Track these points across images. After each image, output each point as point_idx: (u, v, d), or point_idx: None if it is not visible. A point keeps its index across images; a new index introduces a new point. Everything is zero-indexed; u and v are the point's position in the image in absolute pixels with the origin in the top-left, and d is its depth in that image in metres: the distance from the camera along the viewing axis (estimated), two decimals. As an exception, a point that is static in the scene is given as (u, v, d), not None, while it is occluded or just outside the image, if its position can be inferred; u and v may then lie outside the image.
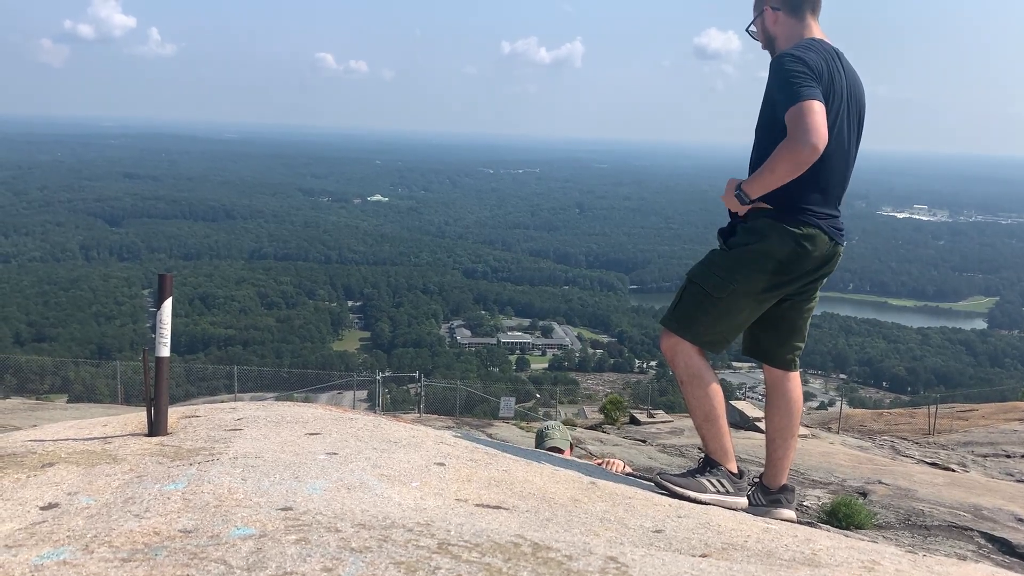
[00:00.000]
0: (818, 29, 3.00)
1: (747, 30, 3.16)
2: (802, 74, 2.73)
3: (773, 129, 2.84)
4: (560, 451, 4.67)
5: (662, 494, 2.98)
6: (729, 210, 3.03)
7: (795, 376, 3.14)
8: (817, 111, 2.66)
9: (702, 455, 3.20)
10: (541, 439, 4.91)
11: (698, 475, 3.03)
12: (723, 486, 2.99)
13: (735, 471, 3.05)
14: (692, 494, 2.94)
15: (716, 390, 3.02)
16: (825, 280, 3.08)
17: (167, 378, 2.82)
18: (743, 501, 3.01)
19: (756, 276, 2.90)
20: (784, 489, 3.14)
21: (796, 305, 3.08)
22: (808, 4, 2.98)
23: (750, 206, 2.89)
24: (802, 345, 3.15)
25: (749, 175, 2.91)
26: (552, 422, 5.65)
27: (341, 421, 3.18)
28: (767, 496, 3.12)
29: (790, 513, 3.11)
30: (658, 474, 3.16)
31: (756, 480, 3.22)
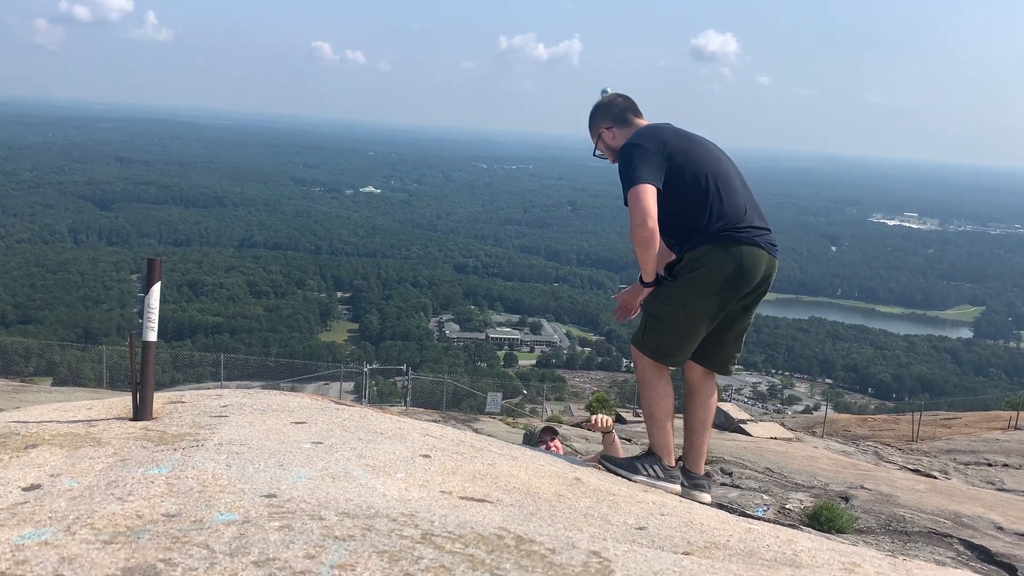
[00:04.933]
0: (643, 123, 3.50)
1: (594, 155, 3.61)
2: (636, 158, 3.18)
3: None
4: (554, 433, 4.88)
5: (635, 483, 3.19)
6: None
7: (713, 375, 3.54)
8: (646, 193, 3.12)
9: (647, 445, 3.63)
10: (529, 438, 5.01)
11: (636, 461, 3.44)
12: (655, 472, 3.39)
13: (670, 464, 3.44)
14: (625, 473, 3.37)
15: (664, 397, 3.42)
16: (765, 294, 3.40)
17: (153, 363, 2.81)
18: (674, 487, 3.37)
19: (708, 298, 3.23)
20: (707, 475, 3.61)
21: (739, 318, 3.41)
22: (630, 111, 3.51)
23: (651, 287, 3.34)
24: (739, 354, 3.55)
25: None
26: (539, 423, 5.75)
27: (327, 411, 3.17)
28: (691, 480, 3.48)
29: (707, 497, 3.48)
30: (603, 457, 3.71)
31: (679, 464, 3.59)
